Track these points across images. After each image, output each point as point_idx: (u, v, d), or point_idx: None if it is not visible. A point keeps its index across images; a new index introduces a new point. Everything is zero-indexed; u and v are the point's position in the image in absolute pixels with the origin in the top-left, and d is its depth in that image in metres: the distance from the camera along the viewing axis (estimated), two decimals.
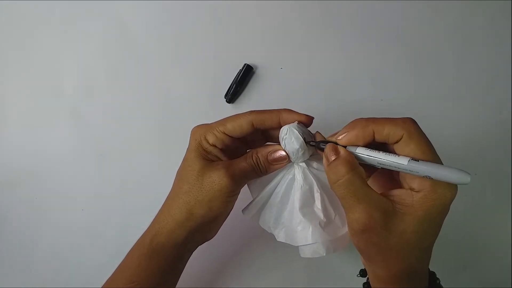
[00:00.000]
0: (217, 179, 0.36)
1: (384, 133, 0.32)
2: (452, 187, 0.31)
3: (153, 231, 0.39)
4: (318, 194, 0.37)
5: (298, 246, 0.38)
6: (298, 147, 0.36)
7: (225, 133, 0.38)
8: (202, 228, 0.38)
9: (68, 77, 0.57)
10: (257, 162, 0.38)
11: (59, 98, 0.57)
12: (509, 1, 0.58)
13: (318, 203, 0.37)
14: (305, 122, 0.37)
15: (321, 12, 0.58)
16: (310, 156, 0.38)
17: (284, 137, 0.36)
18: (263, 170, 0.38)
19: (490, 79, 0.57)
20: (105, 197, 0.55)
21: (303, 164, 0.38)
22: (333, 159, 0.33)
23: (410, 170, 0.30)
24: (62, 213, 0.55)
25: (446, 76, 0.57)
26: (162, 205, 0.40)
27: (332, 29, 0.58)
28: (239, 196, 0.40)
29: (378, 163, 0.32)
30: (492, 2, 0.58)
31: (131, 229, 0.54)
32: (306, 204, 0.38)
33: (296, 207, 0.38)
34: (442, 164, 0.30)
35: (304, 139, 0.36)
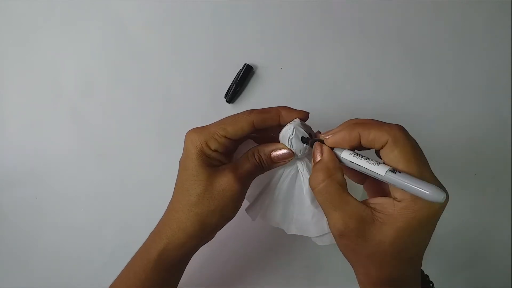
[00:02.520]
0: (227, 186, 0.36)
1: (370, 137, 0.31)
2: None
3: (160, 245, 0.37)
4: None
5: (311, 238, 0.39)
6: (306, 145, 0.36)
7: (226, 137, 0.37)
8: (211, 235, 0.39)
9: (68, 77, 0.57)
10: (259, 160, 0.37)
11: (59, 98, 0.57)
12: (509, 1, 0.58)
13: None
14: (303, 117, 0.38)
15: (321, 12, 0.58)
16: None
17: (291, 137, 0.36)
18: (266, 167, 0.38)
19: (490, 79, 0.57)
20: (105, 197, 0.55)
21: (306, 160, 0.38)
22: (317, 160, 0.33)
23: (387, 181, 0.30)
24: (62, 213, 0.55)
25: (446, 76, 0.57)
26: (167, 218, 0.39)
27: (332, 29, 0.58)
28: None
29: (359, 169, 0.32)
30: (492, 2, 0.58)
31: (131, 229, 0.55)
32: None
33: (307, 200, 0.38)
34: (421, 177, 0.29)
35: (310, 135, 0.37)
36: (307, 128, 0.37)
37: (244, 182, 0.37)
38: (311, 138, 0.37)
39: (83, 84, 0.57)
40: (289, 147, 0.37)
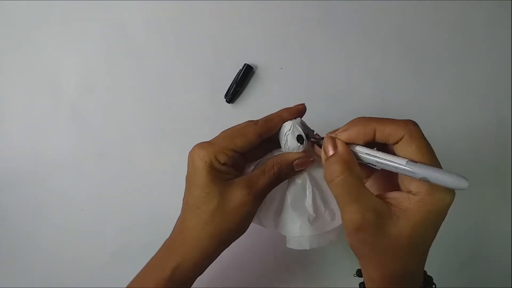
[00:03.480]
0: (240, 203, 0.35)
1: (386, 132, 0.31)
2: (450, 193, 0.30)
3: (173, 263, 0.37)
4: (310, 189, 0.38)
5: (287, 238, 0.39)
6: (299, 144, 0.36)
7: (235, 151, 0.36)
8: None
9: (68, 77, 0.57)
10: (279, 173, 0.37)
11: (59, 98, 0.57)
12: (509, 1, 0.58)
13: (309, 199, 0.38)
14: (301, 109, 0.38)
15: (321, 12, 0.58)
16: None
17: (287, 132, 0.37)
18: (284, 179, 0.38)
19: (490, 79, 0.57)
20: (105, 197, 0.55)
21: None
22: (331, 154, 0.33)
23: (407, 171, 0.30)
24: (62, 213, 0.55)
25: (446, 76, 0.57)
26: (179, 235, 0.38)
27: (332, 29, 0.58)
28: None
29: (376, 162, 0.32)
30: (492, 2, 0.58)
31: (131, 229, 0.55)
32: (298, 198, 0.38)
33: (288, 201, 0.38)
34: (441, 168, 0.30)
35: (307, 135, 0.37)
36: (307, 130, 0.37)
37: (258, 198, 0.36)
38: (308, 138, 0.37)
39: (83, 84, 0.57)
40: (284, 143, 0.37)
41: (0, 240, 0.54)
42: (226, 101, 0.56)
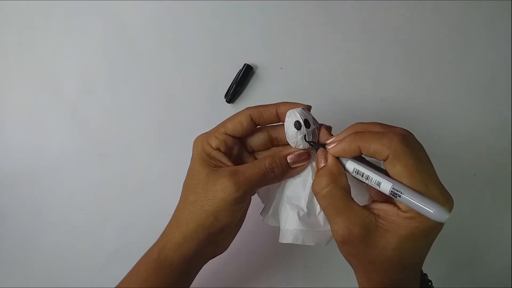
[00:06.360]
0: (220, 187, 0.34)
1: (371, 151, 0.30)
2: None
3: (160, 244, 0.37)
4: (310, 185, 0.36)
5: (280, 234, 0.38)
6: (296, 130, 0.35)
7: (227, 134, 0.37)
8: (212, 240, 0.37)
9: (68, 77, 0.57)
10: (271, 166, 0.36)
11: (59, 98, 0.57)
12: (509, 1, 0.58)
13: (305, 194, 0.37)
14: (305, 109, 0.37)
15: (321, 12, 0.58)
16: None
17: (286, 120, 0.35)
18: (279, 175, 0.36)
19: (490, 79, 0.57)
20: (105, 197, 0.55)
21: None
22: (321, 166, 0.33)
23: (391, 196, 0.30)
24: (62, 213, 0.55)
25: (446, 76, 0.57)
26: (171, 218, 0.39)
27: (332, 29, 0.58)
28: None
29: (363, 180, 0.32)
30: (492, 2, 0.58)
31: (131, 229, 0.55)
32: (295, 192, 0.37)
33: (284, 194, 0.37)
34: (426, 191, 0.29)
35: (306, 121, 0.35)
36: (308, 116, 0.36)
37: (243, 189, 0.34)
38: (308, 126, 0.35)
39: (83, 84, 0.57)
40: (285, 132, 0.36)
41: (0, 240, 0.54)
42: (226, 101, 0.56)
